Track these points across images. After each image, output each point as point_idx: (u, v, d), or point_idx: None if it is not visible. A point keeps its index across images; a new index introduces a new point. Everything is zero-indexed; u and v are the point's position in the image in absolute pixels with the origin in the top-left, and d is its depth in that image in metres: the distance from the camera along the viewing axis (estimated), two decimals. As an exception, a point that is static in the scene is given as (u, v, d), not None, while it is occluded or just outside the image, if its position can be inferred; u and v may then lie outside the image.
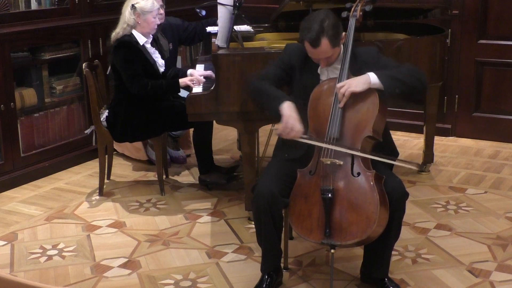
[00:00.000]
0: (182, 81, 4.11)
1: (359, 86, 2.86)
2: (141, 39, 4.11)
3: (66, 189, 4.47)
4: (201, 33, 4.66)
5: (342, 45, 3.02)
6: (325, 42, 2.88)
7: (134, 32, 4.09)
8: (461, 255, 3.44)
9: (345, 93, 2.86)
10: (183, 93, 4.42)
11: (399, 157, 3.17)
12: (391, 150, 3.10)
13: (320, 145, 2.87)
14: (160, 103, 4.19)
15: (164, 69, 4.28)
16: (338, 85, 2.90)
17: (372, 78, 2.88)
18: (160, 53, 4.28)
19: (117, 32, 4.10)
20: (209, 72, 4.15)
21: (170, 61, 4.41)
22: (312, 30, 2.88)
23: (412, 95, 3.02)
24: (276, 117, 2.95)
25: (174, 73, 4.33)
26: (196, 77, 4.11)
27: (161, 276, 3.27)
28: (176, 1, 5.75)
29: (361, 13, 3.09)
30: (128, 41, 4.04)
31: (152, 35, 4.20)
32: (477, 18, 5.23)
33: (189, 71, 4.23)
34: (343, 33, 2.98)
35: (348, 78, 2.91)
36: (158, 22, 4.18)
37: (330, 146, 2.85)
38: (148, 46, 4.17)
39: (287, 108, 2.91)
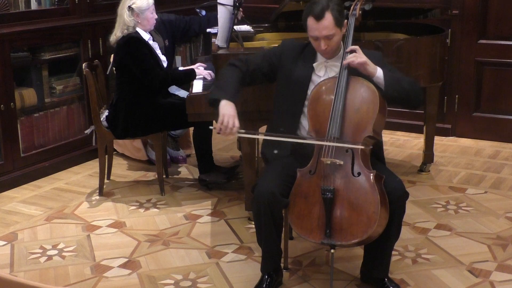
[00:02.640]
0: (199, 71, 4.19)
1: (370, 66, 2.88)
2: (145, 36, 4.15)
3: (66, 189, 4.47)
4: (198, 25, 4.65)
5: (342, 42, 3.02)
6: (328, 17, 2.90)
7: (138, 29, 4.12)
8: (461, 255, 3.44)
9: (356, 58, 2.87)
10: (183, 93, 4.43)
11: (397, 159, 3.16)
12: (379, 150, 3.10)
13: (257, 137, 2.95)
14: (161, 101, 4.20)
15: (167, 65, 4.31)
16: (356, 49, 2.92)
17: (378, 72, 2.90)
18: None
19: (118, 35, 4.11)
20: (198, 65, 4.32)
21: (167, 58, 4.41)
22: (318, 4, 2.92)
23: (406, 104, 3.05)
24: (211, 105, 2.99)
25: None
26: (210, 72, 4.20)
27: (161, 276, 3.27)
28: (176, 1, 5.75)
29: (360, 12, 3.09)
30: (136, 37, 4.08)
31: (150, 32, 4.23)
32: (477, 18, 5.23)
33: (182, 69, 4.34)
34: (345, 21, 2.99)
35: (348, 76, 2.91)
36: (156, 17, 4.20)
37: (270, 138, 2.90)
38: (152, 42, 4.20)
39: (224, 106, 2.92)
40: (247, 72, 3.13)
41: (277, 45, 3.29)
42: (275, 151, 3.11)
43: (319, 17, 2.91)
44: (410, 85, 2.99)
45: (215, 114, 3.69)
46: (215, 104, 2.95)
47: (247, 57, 3.21)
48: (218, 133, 2.92)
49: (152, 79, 4.07)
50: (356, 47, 2.95)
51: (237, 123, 2.89)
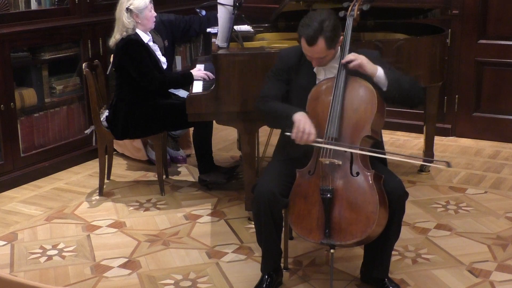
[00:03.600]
0: (196, 74, 4.16)
1: (367, 65, 2.87)
2: (145, 38, 4.14)
3: (66, 189, 4.47)
4: (198, 24, 4.63)
5: (339, 47, 3.01)
6: (321, 42, 2.88)
7: (138, 31, 4.11)
8: (461, 255, 3.44)
9: (354, 60, 2.86)
10: (183, 93, 4.43)
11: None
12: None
13: (337, 148, 2.84)
14: (161, 101, 4.20)
15: (166, 67, 4.31)
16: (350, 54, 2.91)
17: (379, 71, 2.89)
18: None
19: (117, 38, 4.10)
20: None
21: (167, 59, 4.42)
22: (311, 27, 2.88)
23: (407, 103, 3.03)
24: (289, 125, 2.92)
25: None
26: (207, 72, 4.19)
27: (161, 276, 3.27)
28: (176, 1, 5.75)
29: (358, 12, 3.09)
30: (135, 40, 4.07)
31: (149, 32, 4.22)
32: (477, 18, 5.23)
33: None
34: (341, 37, 2.98)
35: (346, 77, 2.91)
36: (155, 14, 4.20)
37: (347, 149, 2.82)
38: (151, 44, 4.20)
39: (300, 115, 2.89)
40: (276, 99, 3.10)
41: (277, 47, 3.27)
42: (286, 154, 3.10)
43: (310, 43, 2.89)
44: (411, 83, 2.99)
45: (215, 114, 3.72)
46: (291, 122, 2.88)
47: (265, 91, 3.14)
48: (294, 139, 2.86)
49: (149, 81, 4.07)
50: (352, 54, 2.93)
51: (313, 131, 2.85)
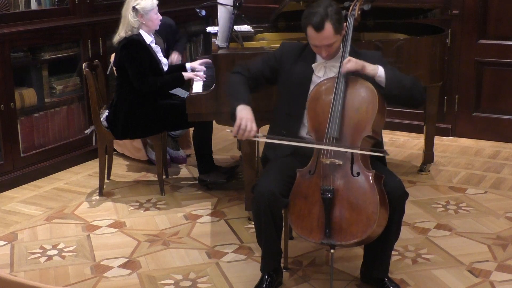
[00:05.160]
0: (186, 75, 4.17)
1: (368, 67, 2.88)
2: (148, 38, 4.14)
3: (66, 189, 4.47)
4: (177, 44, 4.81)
5: (341, 43, 3.02)
6: (328, 26, 2.89)
7: (141, 32, 4.11)
8: (461, 255, 3.44)
9: (354, 63, 2.86)
10: (183, 93, 4.43)
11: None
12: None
13: (278, 142, 2.91)
14: (161, 102, 4.20)
15: (167, 68, 4.31)
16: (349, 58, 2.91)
17: (380, 70, 2.89)
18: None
19: (121, 36, 4.10)
20: (204, 60, 4.31)
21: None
22: (317, 14, 2.90)
23: (408, 102, 3.03)
24: (231, 117, 2.97)
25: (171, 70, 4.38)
26: (197, 73, 4.19)
27: (161, 276, 3.27)
28: (176, 1, 5.75)
29: (359, 12, 3.09)
30: (137, 40, 4.07)
31: (152, 34, 4.22)
32: (477, 18, 5.23)
33: (188, 65, 4.33)
34: (344, 24, 2.99)
35: (347, 77, 2.91)
36: (160, 17, 4.20)
37: (288, 143, 2.87)
38: (154, 45, 4.20)
39: (241, 110, 2.93)
40: (250, 77, 3.14)
41: (277, 47, 3.29)
42: (277, 153, 3.11)
43: (318, 29, 2.90)
44: (412, 82, 2.99)
45: (215, 114, 3.73)
46: (234, 114, 2.94)
47: (248, 63, 3.22)
48: (235, 136, 2.91)
49: (141, 83, 4.06)
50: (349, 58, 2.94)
51: (254, 127, 2.89)
